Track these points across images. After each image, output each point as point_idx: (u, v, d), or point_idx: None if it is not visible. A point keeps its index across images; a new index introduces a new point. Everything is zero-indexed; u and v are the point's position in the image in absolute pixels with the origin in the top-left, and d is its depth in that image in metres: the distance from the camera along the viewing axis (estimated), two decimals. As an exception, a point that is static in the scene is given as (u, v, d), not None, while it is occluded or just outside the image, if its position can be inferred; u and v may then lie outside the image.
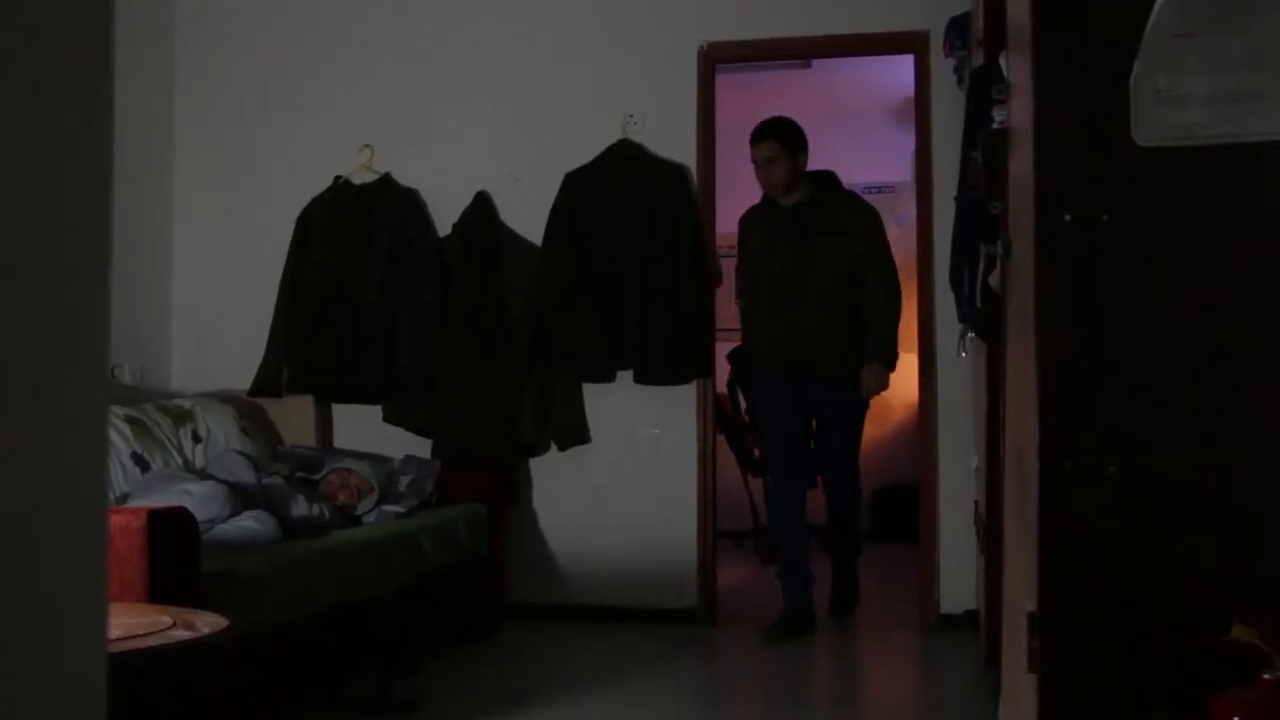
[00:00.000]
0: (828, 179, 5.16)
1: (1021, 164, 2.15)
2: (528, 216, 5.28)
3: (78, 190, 0.73)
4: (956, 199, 4.06)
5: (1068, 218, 1.86)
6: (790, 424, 5.06)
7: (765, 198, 5.12)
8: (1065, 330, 1.88)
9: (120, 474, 4.17)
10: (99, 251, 0.75)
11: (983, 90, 3.22)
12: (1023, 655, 1.99)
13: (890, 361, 5.05)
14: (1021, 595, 2.11)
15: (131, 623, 2.39)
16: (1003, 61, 3.00)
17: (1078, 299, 1.88)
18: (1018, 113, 2.33)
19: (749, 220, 5.19)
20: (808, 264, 4.95)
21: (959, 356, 4.55)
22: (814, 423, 5.20)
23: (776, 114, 5.09)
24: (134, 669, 2.16)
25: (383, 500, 4.54)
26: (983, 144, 3.18)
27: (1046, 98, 1.89)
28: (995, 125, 2.92)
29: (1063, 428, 1.87)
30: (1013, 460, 2.51)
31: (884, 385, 5.05)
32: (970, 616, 4.81)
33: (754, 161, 5.00)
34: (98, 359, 0.75)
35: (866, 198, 5.53)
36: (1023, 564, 2.12)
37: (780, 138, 4.96)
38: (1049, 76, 1.89)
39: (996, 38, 3.23)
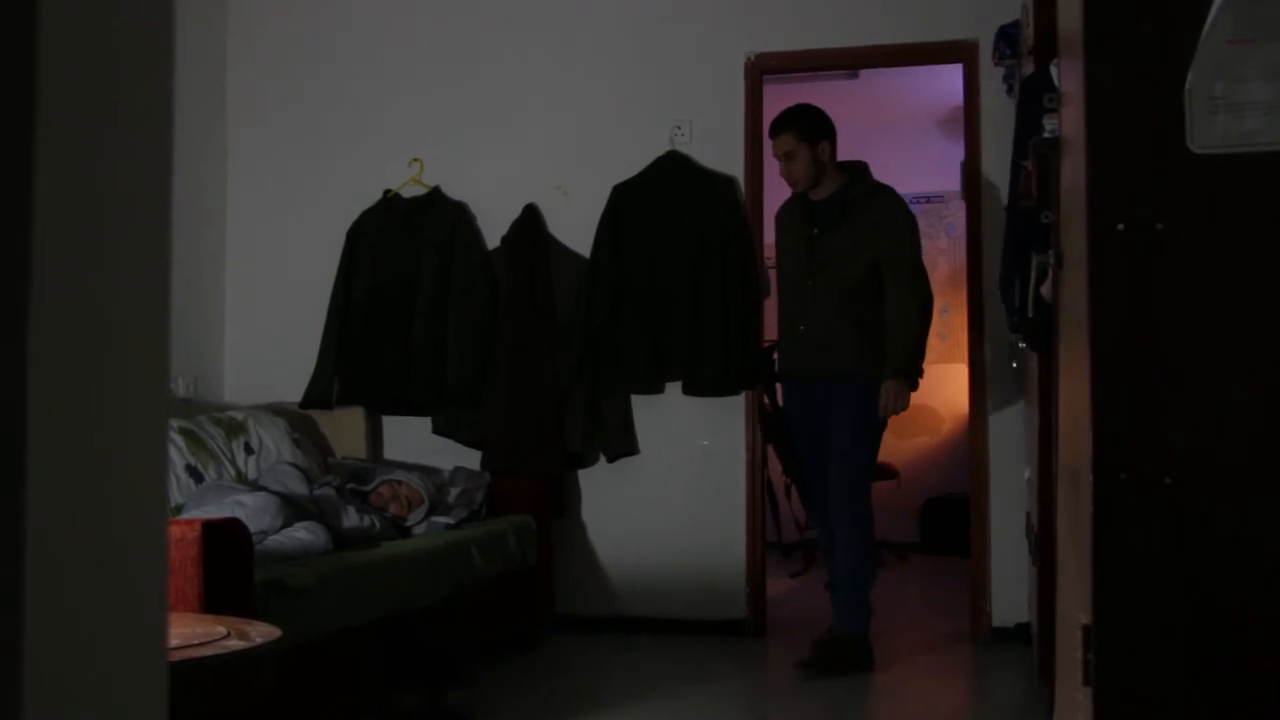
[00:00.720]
0: (858, 170, 4.75)
1: (1074, 172, 2.13)
2: (576, 229, 5.30)
3: (139, 206, 0.74)
4: (1007, 208, 4.04)
5: (1121, 226, 1.84)
6: (810, 441, 4.71)
7: (795, 192, 4.78)
8: (1119, 340, 1.86)
9: (175, 485, 4.22)
10: (160, 267, 0.76)
11: (1033, 99, 3.20)
12: (1077, 669, 1.97)
13: (911, 377, 4.51)
14: (1076, 608, 2.08)
15: (186, 632, 2.41)
16: (1053, 70, 2.98)
17: (1132, 308, 1.86)
18: (1069, 121, 2.31)
19: (780, 214, 4.89)
20: (822, 264, 4.57)
21: (1010, 367, 4.52)
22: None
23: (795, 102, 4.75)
24: (189, 678, 2.18)
25: (432, 511, 4.56)
26: (1034, 153, 3.16)
27: (1099, 105, 1.87)
28: (1047, 134, 2.90)
29: (1118, 439, 1.85)
30: (1067, 472, 2.49)
31: (903, 405, 4.50)
32: (1022, 630, 4.77)
33: (775, 157, 4.69)
34: (158, 372, 0.76)
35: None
36: (1077, 577, 2.10)
37: (797, 129, 4.60)
38: (1101, 84, 1.87)
39: (1047, 46, 3.21)
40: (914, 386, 4.52)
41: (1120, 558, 1.85)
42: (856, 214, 4.58)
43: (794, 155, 4.59)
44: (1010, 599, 4.90)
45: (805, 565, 6.99)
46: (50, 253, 0.64)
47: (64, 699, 0.65)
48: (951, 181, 7.46)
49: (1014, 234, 3.75)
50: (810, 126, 4.61)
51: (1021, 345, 3.85)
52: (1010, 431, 4.98)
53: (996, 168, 4.90)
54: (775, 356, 4.99)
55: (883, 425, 4.63)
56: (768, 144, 5.24)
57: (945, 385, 8.34)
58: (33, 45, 0.63)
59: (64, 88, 0.65)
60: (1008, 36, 4.64)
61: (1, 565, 0.62)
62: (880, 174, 5.23)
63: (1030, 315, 3.24)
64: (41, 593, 0.63)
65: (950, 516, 7.77)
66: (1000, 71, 4.91)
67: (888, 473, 7.71)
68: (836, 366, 4.56)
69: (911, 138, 8.19)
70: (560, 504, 5.21)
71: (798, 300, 4.63)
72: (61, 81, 0.65)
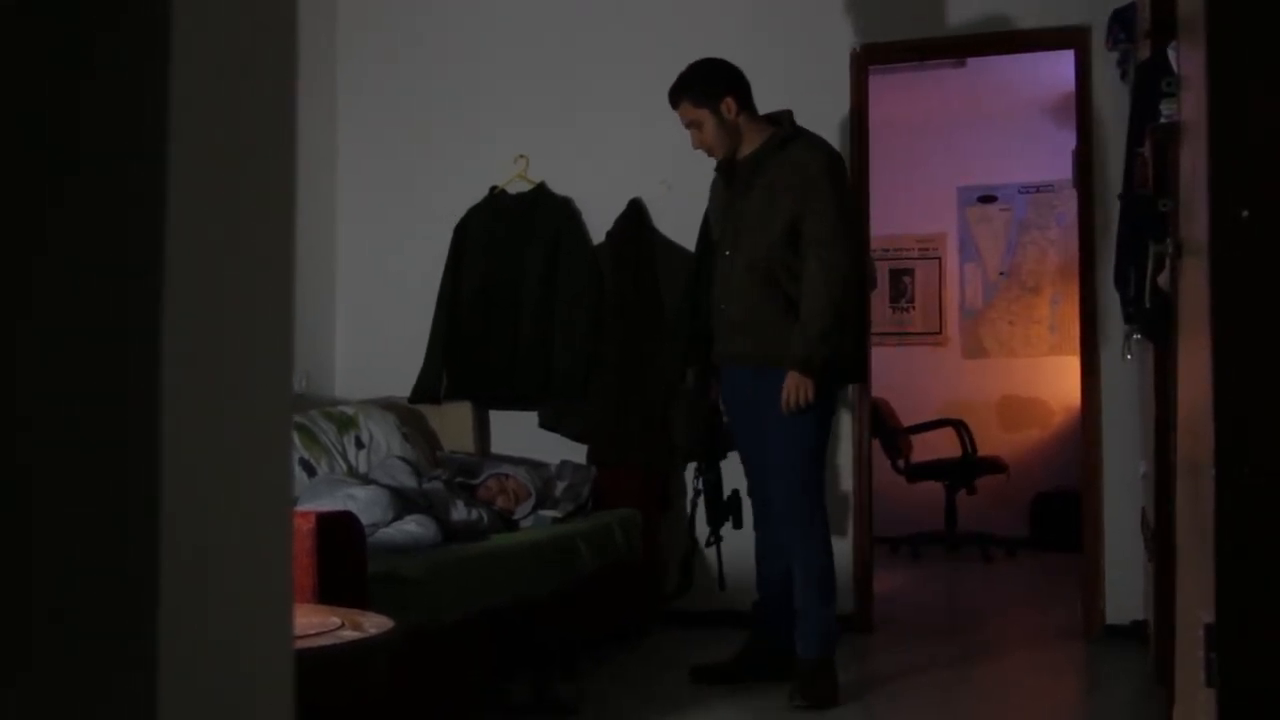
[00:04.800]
0: (781, 119, 4.13)
1: (1194, 159, 2.08)
2: (680, 222, 5.29)
3: (265, 206, 0.75)
4: (1121, 197, 3.94)
5: (1245, 214, 1.79)
6: (742, 433, 4.13)
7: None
8: (1243, 331, 1.81)
9: (288, 478, 4.30)
10: (284, 265, 0.78)
11: (1150, 84, 3.12)
12: (1199, 669, 1.92)
13: (811, 366, 3.82)
14: (1197, 606, 2.03)
15: (303, 623, 2.46)
16: (1171, 53, 2.90)
17: (1256, 297, 1.80)
18: (1189, 106, 2.25)
19: (713, 182, 4.32)
20: (738, 232, 4.01)
21: (1124, 359, 4.42)
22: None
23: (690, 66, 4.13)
24: (306, 668, 2.22)
25: (540, 505, 4.60)
26: (1151, 139, 3.08)
27: (1222, 88, 1.82)
28: (1164, 119, 2.83)
29: (1241, 432, 1.79)
30: (1186, 466, 2.43)
31: (806, 396, 3.84)
32: (1137, 627, 4.66)
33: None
34: (284, 369, 0.78)
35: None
36: (1198, 574, 2.04)
37: (691, 95, 4.04)
38: (1225, 66, 1.82)
39: (1165, 29, 3.13)
40: (814, 375, 3.84)
41: (1244, 553, 1.80)
42: (771, 169, 3.97)
43: (698, 123, 4.04)
44: (1124, 596, 4.80)
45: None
46: (182, 252, 0.66)
47: (197, 686, 0.67)
48: (1062, 171, 7.32)
49: (1129, 223, 3.67)
50: (704, 87, 4.04)
51: (1137, 336, 3.76)
52: (1123, 425, 4.87)
53: (1109, 156, 4.79)
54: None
55: (826, 418, 3.99)
56: (875, 134, 5.16)
57: (1056, 377, 8.19)
58: (166, 47, 0.65)
59: (194, 91, 0.67)
60: (1122, 20, 4.53)
61: (139, 559, 0.64)
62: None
63: (1147, 306, 3.17)
64: (176, 582, 0.65)
65: (1061, 511, 7.63)
66: (1114, 57, 4.79)
67: (997, 467, 7.61)
68: (760, 351, 3.95)
69: (1021, 127, 8.04)
70: (666, 498, 5.22)
71: (719, 276, 4.09)
72: (192, 84, 0.67)
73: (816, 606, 3.97)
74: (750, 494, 4.22)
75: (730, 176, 4.11)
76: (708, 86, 4.03)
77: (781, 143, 4.01)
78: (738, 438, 4.19)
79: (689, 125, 4.08)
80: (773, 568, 4.16)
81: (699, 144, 4.10)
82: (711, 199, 4.30)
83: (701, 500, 4.46)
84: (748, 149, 4.05)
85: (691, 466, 5.22)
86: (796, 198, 3.88)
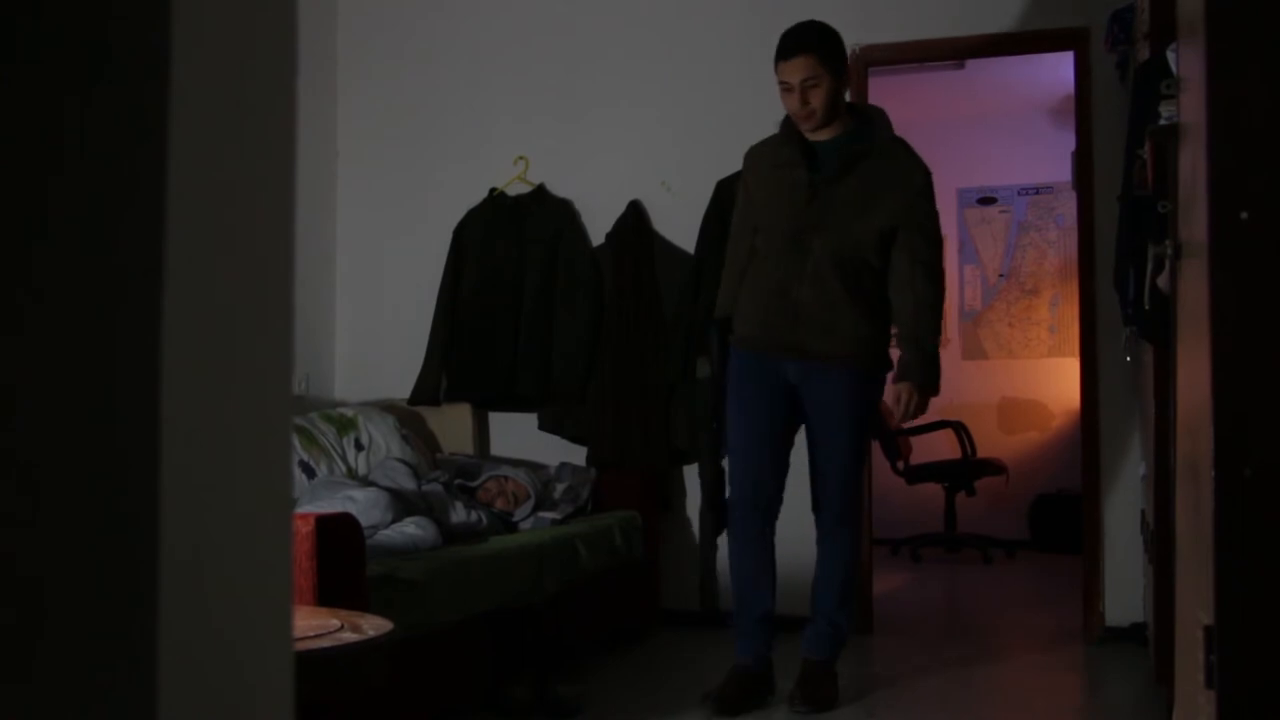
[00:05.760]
0: (872, 115, 3.97)
1: (1193, 161, 2.08)
2: (680, 225, 5.30)
3: (264, 207, 0.75)
4: (1120, 198, 3.94)
5: (1244, 215, 1.79)
6: (760, 423, 3.89)
7: (785, 128, 3.95)
8: (1242, 332, 1.81)
9: (288, 480, 4.30)
10: (283, 265, 0.78)
11: (1149, 85, 3.12)
12: (1199, 671, 1.92)
13: (933, 381, 3.83)
14: (1197, 608, 2.03)
15: (302, 625, 2.46)
16: (1171, 55, 2.90)
17: (1255, 299, 1.80)
18: (1189, 107, 2.25)
19: (758, 156, 4.05)
20: (823, 220, 3.78)
21: (1125, 360, 4.42)
22: (789, 427, 3.98)
23: (809, 19, 3.92)
24: (305, 669, 2.22)
25: (539, 507, 4.60)
26: (1151, 140, 3.08)
27: (1222, 89, 1.82)
28: (1163, 121, 2.83)
29: (1240, 434, 1.79)
30: (1186, 468, 2.43)
31: (922, 410, 3.86)
32: (1137, 630, 4.66)
33: (782, 84, 3.81)
34: (283, 369, 0.77)
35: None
36: (1197, 576, 2.04)
37: (824, 52, 3.76)
38: (1224, 67, 1.82)
39: (1164, 30, 3.13)
40: (935, 391, 3.86)
41: (1243, 555, 1.80)
42: (871, 165, 3.81)
43: (816, 83, 3.74)
44: (1124, 598, 4.80)
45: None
46: (181, 254, 0.66)
47: (197, 688, 0.67)
48: (1060, 172, 7.33)
49: (1128, 224, 3.67)
50: (835, 51, 3.79)
51: (1136, 338, 3.76)
52: (1123, 426, 4.87)
53: (1108, 157, 4.79)
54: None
55: (875, 423, 4.01)
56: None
57: (1056, 379, 8.20)
58: (166, 48, 0.65)
59: (193, 90, 0.67)
60: (1121, 22, 4.53)
61: (138, 560, 0.64)
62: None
63: (1146, 307, 3.17)
64: (175, 585, 0.65)
65: (1061, 513, 7.65)
66: (1113, 58, 4.80)
67: (996, 468, 7.61)
68: (832, 348, 3.79)
69: (1020, 128, 8.05)
70: (666, 499, 5.22)
71: (788, 260, 3.81)
72: (191, 84, 0.67)
73: (839, 608, 3.93)
74: (740, 497, 3.91)
75: (808, 155, 3.84)
76: (837, 52, 3.80)
77: (885, 140, 3.87)
78: (751, 432, 3.88)
79: (803, 82, 3.73)
80: (766, 583, 3.96)
81: (801, 103, 3.76)
82: (769, 174, 3.93)
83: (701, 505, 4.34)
84: (831, 133, 3.84)
85: (691, 466, 5.22)
86: (900, 206, 3.77)
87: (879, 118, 3.94)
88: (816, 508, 3.95)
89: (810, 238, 3.78)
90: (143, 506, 0.64)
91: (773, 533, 3.96)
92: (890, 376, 3.93)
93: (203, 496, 0.68)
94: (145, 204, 0.65)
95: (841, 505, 3.89)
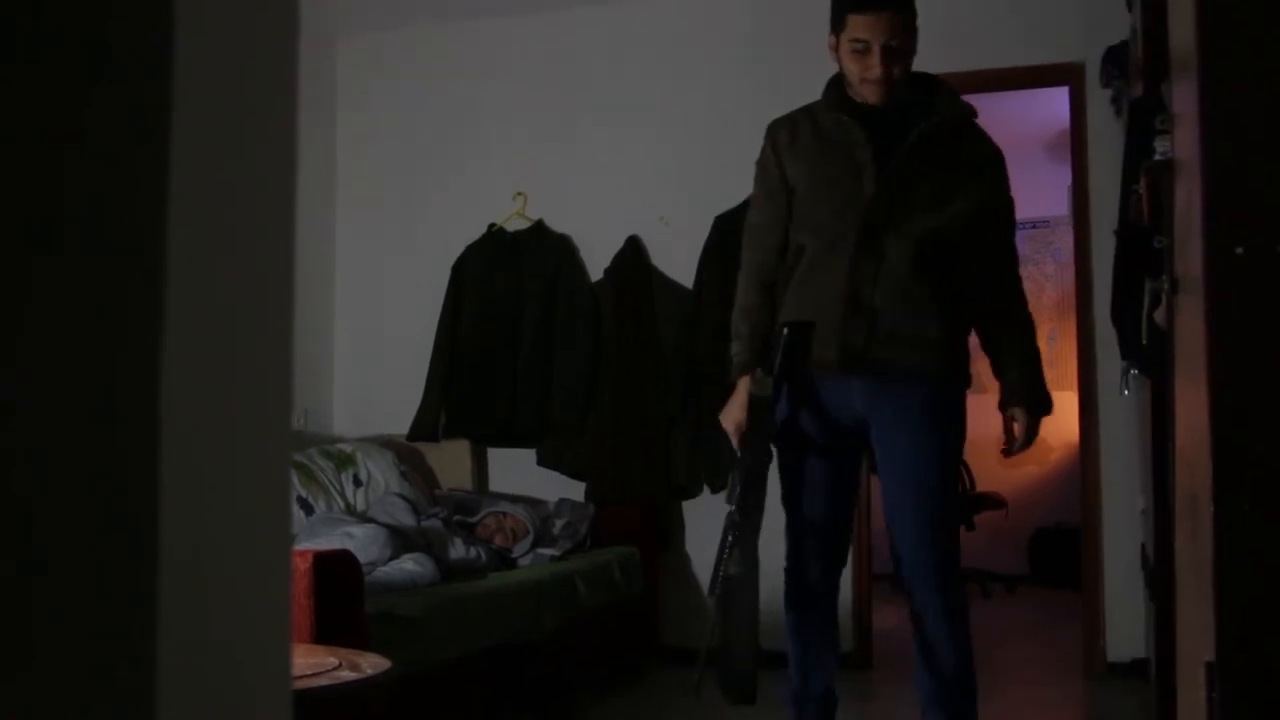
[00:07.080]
0: (935, 83, 3.25)
1: (1189, 195, 2.09)
2: (678, 259, 5.31)
3: (265, 239, 0.76)
4: (1116, 233, 3.96)
5: (1240, 250, 1.79)
6: (826, 466, 3.18)
7: (830, 94, 3.19)
8: (1239, 366, 1.81)
9: (286, 516, 4.29)
10: (283, 298, 0.78)
11: (1144, 120, 3.13)
12: (1201, 708, 1.91)
13: (1045, 402, 3.23)
14: (1198, 644, 2.02)
15: (300, 663, 2.45)
16: (1165, 90, 2.92)
17: (1252, 333, 1.81)
18: (1183, 142, 2.26)
19: (797, 124, 3.26)
20: (895, 206, 3.01)
21: (1122, 394, 4.42)
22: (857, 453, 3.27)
23: None
24: (303, 709, 2.21)
25: (538, 543, 4.58)
26: (1146, 176, 3.09)
27: (1216, 125, 1.83)
28: (1158, 156, 2.84)
29: (1239, 467, 1.79)
30: (1185, 502, 2.43)
31: (1034, 436, 3.28)
32: (1138, 665, 4.64)
33: (854, 42, 3.04)
34: (283, 406, 0.78)
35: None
36: (1198, 611, 2.04)
37: (910, 12, 3.07)
38: (1218, 102, 1.83)
39: (1158, 66, 3.15)
40: (1049, 412, 3.26)
41: (1244, 591, 1.79)
42: (951, 143, 3.14)
43: (908, 51, 3.08)
44: (1125, 633, 4.78)
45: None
46: (181, 286, 0.66)
47: (197, 688, 0.67)
48: (1058, 206, 7.35)
49: (1125, 259, 3.68)
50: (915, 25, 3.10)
51: (1134, 372, 3.77)
52: (1122, 460, 4.86)
53: (1105, 192, 4.81)
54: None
55: (959, 437, 3.21)
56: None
57: (1054, 413, 8.14)
58: (167, 48, 0.65)
59: (195, 91, 0.68)
60: (1115, 57, 4.56)
61: (138, 560, 0.64)
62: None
63: (1144, 342, 3.17)
64: (175, 585, 0.65)
65: (1060, 547, 7.62)
66: (1108, 93, 4.83)
67: (996, 503, 7.59)
68: (916, 360, 3.03)
69: (1016, 163, 8.01)
70: (665, 535, 5.20)
71: (859, 256, 3.01)
72: (192, 84, 0.67)
73: (969, 669, 3.12)
74: (802, 522, 3.30)
75: (870, 126, 3.07)
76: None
77: (962, 110, 3.21)
78: (812, 464, 3.20)
79: (899, 49, 3.04)
80: (826, 673, 3.38)
81: (884, 67, 3.01)
82: (822, 148, 3.16)
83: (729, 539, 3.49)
84: (887, 99, 3.09)
85: (700, 501, 5.21)
86: (983, 197, 3.13)
87: (945, 86, 3.25)
88: (900, 567, 3.12)
89: (885, 228, 3.00)
90: (143, 506, 0.64)
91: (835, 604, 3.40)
92: (995, 402, 3.35)
93: (203, 496, 0.68)
94: (146, 204, 0.66)
95: (942, 562, 3.06)
